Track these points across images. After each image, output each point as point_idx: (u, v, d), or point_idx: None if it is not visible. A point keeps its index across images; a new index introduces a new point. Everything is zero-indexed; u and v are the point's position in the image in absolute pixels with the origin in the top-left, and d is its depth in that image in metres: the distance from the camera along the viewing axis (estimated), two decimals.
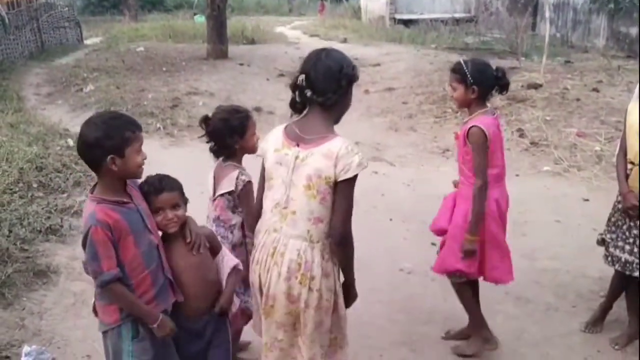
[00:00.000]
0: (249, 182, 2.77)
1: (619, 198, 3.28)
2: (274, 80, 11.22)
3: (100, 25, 22.29)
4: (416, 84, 10.61)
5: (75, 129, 7.79)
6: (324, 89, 2.18)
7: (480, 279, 3.24)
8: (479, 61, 3.09)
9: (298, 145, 2.19)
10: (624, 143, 3.28)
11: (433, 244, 4.65)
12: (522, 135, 7.48)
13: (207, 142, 2.90)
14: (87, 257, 2.16)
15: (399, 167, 6.98)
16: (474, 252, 3.00)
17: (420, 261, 4.20)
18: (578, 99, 8.31)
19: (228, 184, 2.77)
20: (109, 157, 2.09)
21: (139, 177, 2.27)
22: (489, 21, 18.48)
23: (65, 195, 5.29)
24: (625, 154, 3.23)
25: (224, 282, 2.47)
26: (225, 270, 2.48)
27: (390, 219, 5.34)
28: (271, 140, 2.30)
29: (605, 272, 3.66)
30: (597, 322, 3.52)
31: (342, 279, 2.33)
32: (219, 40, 12.52)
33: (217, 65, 11.79)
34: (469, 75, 2.96)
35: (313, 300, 2.19)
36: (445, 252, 3.19)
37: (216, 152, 2.89)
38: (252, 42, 16.24)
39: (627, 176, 3.20)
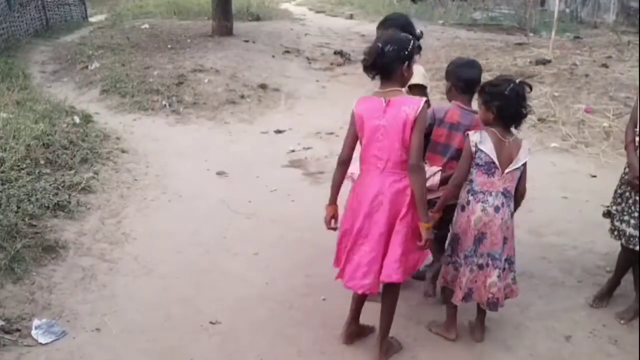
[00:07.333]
0: None
1: (626, 170, 3.27)
2: (280, 57, 11.14)
3: (104, 3, 22.11)
4: (423, 60, 10.44)
5: (81, 106, 7.81)
6: None
7: None
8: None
9: None
10: (634, 114, 3.27)
11: None
12: (529, 112, 7.41)
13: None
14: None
15: None
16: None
17: None
18: (587, 75, 8.21)
19: (525, 155, 3.05)
20: None
21: None
22: None
23: (72, 171, 5.30)
24: (635, 125, 3.23)
25: None
26: None
27: None
28: None
29: (612, 248, 3.66)
30: (604, 297, 3.52)
31: None
32: (224, 17, 12.40)
33: (223, 42, 11.70)
34: None
35: None
36: None
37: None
38: (257, 18, 16.10)
39: (635, 148, 3.19)
